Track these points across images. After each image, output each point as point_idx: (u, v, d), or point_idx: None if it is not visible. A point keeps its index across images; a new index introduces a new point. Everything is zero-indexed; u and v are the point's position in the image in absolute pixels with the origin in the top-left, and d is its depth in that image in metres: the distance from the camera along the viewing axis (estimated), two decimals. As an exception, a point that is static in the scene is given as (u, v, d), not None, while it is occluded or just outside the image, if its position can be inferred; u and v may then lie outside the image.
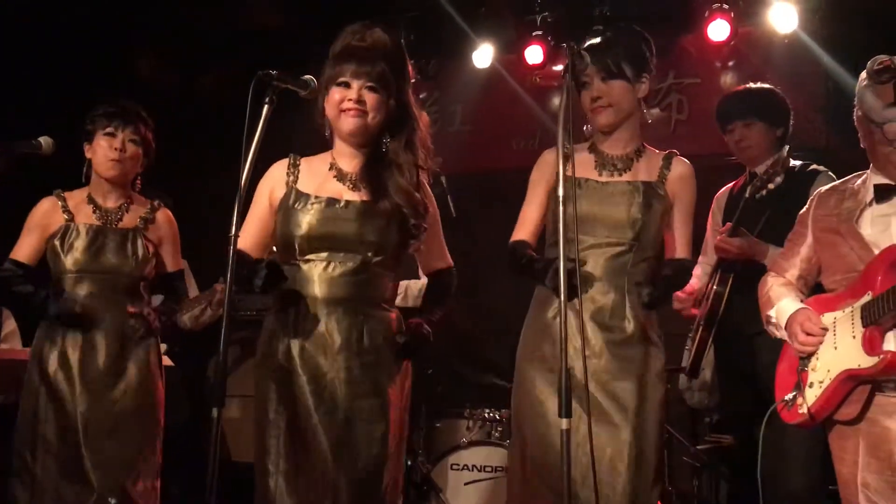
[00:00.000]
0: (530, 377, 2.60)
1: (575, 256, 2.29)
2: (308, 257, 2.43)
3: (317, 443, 2.34)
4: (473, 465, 4.12)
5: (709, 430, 4.94)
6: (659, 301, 2.60)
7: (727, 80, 5.52)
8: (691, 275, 2.82)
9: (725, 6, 5.18)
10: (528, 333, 2.69)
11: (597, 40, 2.60)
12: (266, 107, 2.26)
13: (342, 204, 2.44)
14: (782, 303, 2.38)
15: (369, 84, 2.42)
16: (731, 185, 3.51)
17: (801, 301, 2.39)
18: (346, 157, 2.53)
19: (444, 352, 4.90)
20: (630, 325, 2.55)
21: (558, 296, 2.24)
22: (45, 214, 3.12)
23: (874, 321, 2.10)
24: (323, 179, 2.51)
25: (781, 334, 2.38)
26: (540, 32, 5.55)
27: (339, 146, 2.55)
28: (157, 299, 3.98)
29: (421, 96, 6.36)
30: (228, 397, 3.95)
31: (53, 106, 4.68)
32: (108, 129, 3.05)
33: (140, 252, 3.08)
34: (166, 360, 4.10)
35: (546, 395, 2.53)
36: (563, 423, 2.01)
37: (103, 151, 3.06)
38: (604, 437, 2.44)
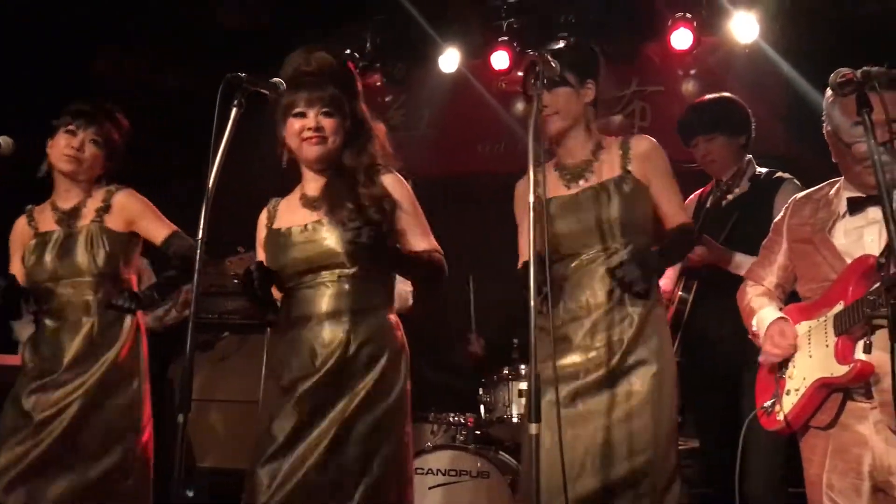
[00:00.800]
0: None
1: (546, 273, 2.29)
2: (295, 284, 2.51)
3: (301, 451, 2.38)
4: (438, 469, 4.11)
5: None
6: (634, 276, 2.48)
7: (689, 88, 5.60)
8: (692, 234, 2.77)
9: (688, 15, 5.25)
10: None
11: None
12: (234, 109, 2.25)
13: (306, 228, 2.51)
14: (763, 312, 2.41)
15: (324, 110, 2.49)
16: (699, 192, 3.54)
17: (780, 309, 2.42)
18: (312, 182, 2.60)
19: (411, 355, 4.89)
20: (633, 327, 2.54)
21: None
22: (18, 234, 3.14)
23: (845, 330, 2.13)
24: (294, 211, 2.58)
25: (762, 343, 2.39)
26: (506, 38, 5.59)
27: (305, 172, 2.62)
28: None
29: (387, 99, 6.36)
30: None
31: (27, 108, 4.61)
32: (70, 127, 3.01)
33: (102, 248, 2.99)
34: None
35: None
36: (532, 427, 2.01)
37: (59, 147, 3.01)
38: (615, 433, 2.48)
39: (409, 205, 2.58)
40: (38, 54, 4.92)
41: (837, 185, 2.36)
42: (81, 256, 2.98)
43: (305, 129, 2.48)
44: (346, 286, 2.46)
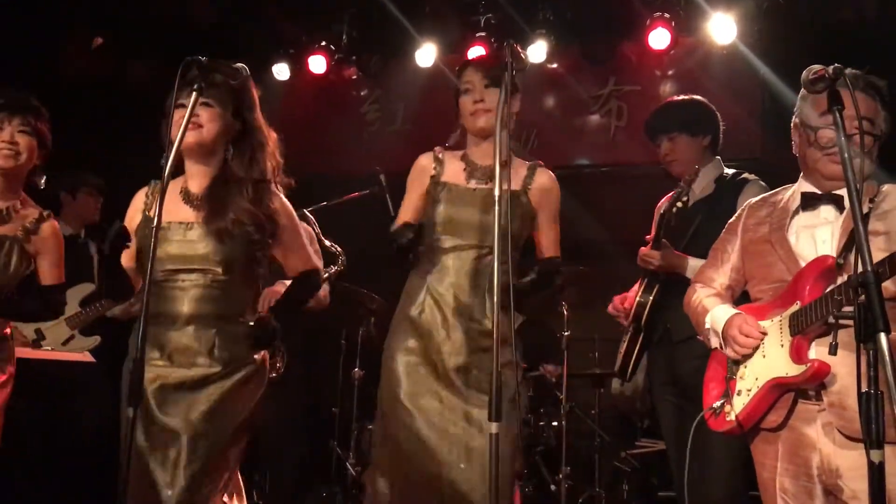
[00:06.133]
0: (396, 369, 2.71)
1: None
2: (165, 279, 2.51)
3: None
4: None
5: (640, 435, 4.99)
6: (522, 305, 2.74)
7: (667, 88, 5.60)
8: (557, 272, 2.92)
9: (666, 15, 5.24)
10: (395, 327, 2.81)
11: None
12: (194, 93, 2.20)
13: (187, 226, 2.52)
14: (716, 310, 2.37)
15: (204, 101, 2.47)
16: (671, 194, 3.51)
17: (734, 307, 2.39)
18: (195, 178, 2.60)
19: (378, 353, 4.84)
20: (489, 323, 2.64)
21: (418, 286, 2.68)
22: None
23: (801, 330, 2.12)
24: (173, 203, 2.54)
25: (717, 342, 2.36)
26: (483, 34, 5.54)
27: (188, 166, 2.61)
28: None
29: (363, 93, 6.31)
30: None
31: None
32: None
33: (12, 263, 2.87)
34: (87, 357, 3.97)
35: (407, 388, 2.66)
36: (493, 426, 1.97)
37: None
38: (471, 429, 2.57)
39: (291, 228, 2.67)
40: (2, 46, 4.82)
41: (794, 188, 2.35)
42: None
43: (181, 118, 2.47)
44: (216, 291, 2.50)
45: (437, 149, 2.90)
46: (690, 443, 2.28)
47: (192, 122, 2.44)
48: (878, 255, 2.01)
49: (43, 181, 3.05)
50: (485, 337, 2.65)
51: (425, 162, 2.91)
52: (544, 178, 2.83)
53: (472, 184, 2.78)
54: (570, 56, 5.72)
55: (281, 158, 2.65)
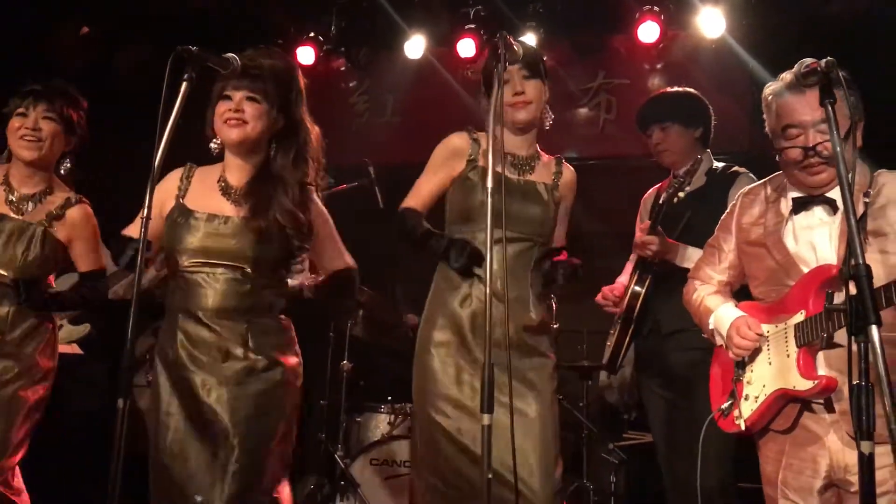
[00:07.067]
0: (432, 365, 2.64)
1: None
2: (191, 269, 2.48)
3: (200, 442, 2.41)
4: (394, 461, 4.06)
5: (627, 428, 5.01)
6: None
7: (656, 81, 5.59)
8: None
9: (655, 8, 5.25)
10: (433, 319, 2.71)
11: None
12: (185, 83, 2.19)
13: (222, 220, 2.50)
14: (720, 310, 2.37)
15: (249, 95, 2.50)
16: (657, 186, 3.52)
17: (736, 306, 2.39)
18: (235, 171, 2.58)
19: (366, 345, 4.83)
20: (534, 316, 2.67)
21: (464, 276, 2.60)
22: None
23: (807, 342, 2.12)
24: (209, 193, 2.56)
25: (721, 341, 2.36)
26: (473, 26, 5.53)
27: (228, 158, 2.59)
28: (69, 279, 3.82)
29: (351, 84, 6.28)
30: (142, 387, 3.78)
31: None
32: (20, 110, 2.90)
33: (35, 250, 2.86)
34: (74, 349, 3.94)
35: (449, 385, 2.60)
36: (485, 418, 1.97)
37: (14, 132, 2.89)
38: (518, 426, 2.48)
39: (327, 230, 2.67)
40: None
41: (783, 182, 2.34)
42: (10, 250, 2.84)
43: (227, 111, 2.49)
44: (247, 287, 2.48)
45: (471, 128, 2.79)
46: (702, 440, 2.28)
47: (237, 117, 2.46)
48: (874, 258, 2.01)
49: (64, 168, 3.02)
50: (530, 329, 2.64)
51: (460, 142, 2.76)
52: (569, 174, 2.85)
53: (513, 174, 2.71)
54: (560, 49, 5.70)
55: (323, 158, 2.64)
